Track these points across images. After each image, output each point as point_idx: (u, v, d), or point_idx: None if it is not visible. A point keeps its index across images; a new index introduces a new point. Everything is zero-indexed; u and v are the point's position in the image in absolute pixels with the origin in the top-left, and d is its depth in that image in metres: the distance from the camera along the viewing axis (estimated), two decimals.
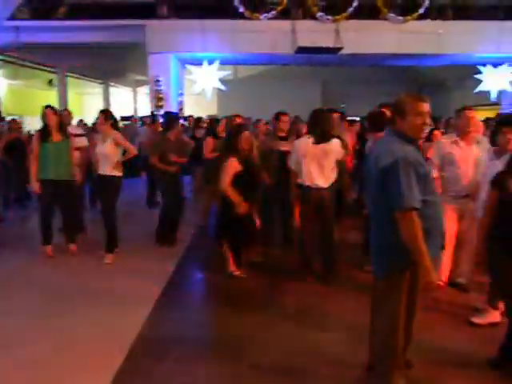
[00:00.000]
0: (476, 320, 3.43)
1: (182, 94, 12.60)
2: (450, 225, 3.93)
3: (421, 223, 2.15)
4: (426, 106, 2.29)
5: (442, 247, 2.49)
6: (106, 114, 4.98)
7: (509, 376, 2.74)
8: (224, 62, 12.37)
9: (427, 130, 2.37)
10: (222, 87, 11.10)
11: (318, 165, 4.19)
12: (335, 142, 4.29)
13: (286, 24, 10.68)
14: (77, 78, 18.08)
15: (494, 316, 3.39)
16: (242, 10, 10.43)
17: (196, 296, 4.34)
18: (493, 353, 2.86)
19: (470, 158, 3.91)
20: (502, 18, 10.88)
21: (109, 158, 4.84)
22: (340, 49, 10.46)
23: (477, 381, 2.75)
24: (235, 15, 10.58)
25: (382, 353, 2.43)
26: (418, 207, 2.14)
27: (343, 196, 5.05)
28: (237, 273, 4.40)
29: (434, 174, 3.93)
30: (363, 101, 13.95)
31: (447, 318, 3.59)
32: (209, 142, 5.89)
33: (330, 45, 10.51)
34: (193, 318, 3.68)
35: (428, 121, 2.32)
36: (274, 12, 10.53)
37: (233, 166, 4.21)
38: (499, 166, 3.11)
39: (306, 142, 4.25)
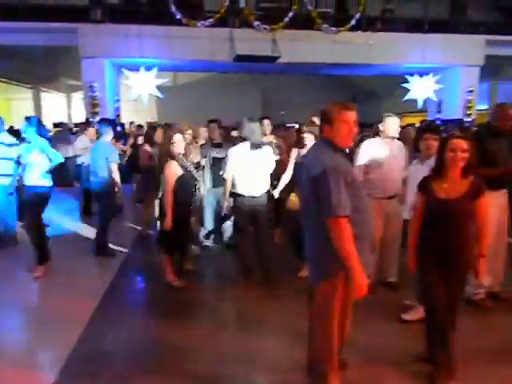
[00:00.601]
0: (406, 317, 3.62)
1: (118, 100, 12.25)
2: (377, 226, 4.14)
3: (351, 229, 2.24)
4: (352, 115, 2.36)
5: (372, 250, 2.61)
6: (29, 120, 4.75)
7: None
8: (162, 69, 12.19)
9: (354, 137, 2.46)
10: (159, 94, 10.94)
11: (253, 173, 4.25)
12: (268, 148, 4.38)
13: (224, 32, 10.75)
14: (5, 82, 17.02)
15: (423, 312, 3.60)
16: (179, 16, 10.35)
17: (133, 309, 4.21)
18: (423, 348, 3.03)
19: (394, 160, 4.12)
20: (427, 30, 11.64)
21: (34, 166, 4.59)
22: (277, 58, 10.68)
23: (410, 376, 2.88)
24: (172, 22, 10.49)
25: (319, 355, 2.49)
26: (348, 214, 2.22)
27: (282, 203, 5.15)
28: (175, 283, 4.33)
29: (360, 176, 4.11)
30: (302, 108, 14.30)
31: (380, 316, 3.74)
32: (145, 150, 5.78)
33: (268, 53, 10.71)
34: (128, 332, 3.56)
35: (355, 129, 2.41)
36: (211, 20, 10.56)
37: (173, 169, 4.15)
38: (424, 170, 3.31)
39: (241, 149, 4.30)
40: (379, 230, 4.12)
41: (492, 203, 3.83)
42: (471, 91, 12.09)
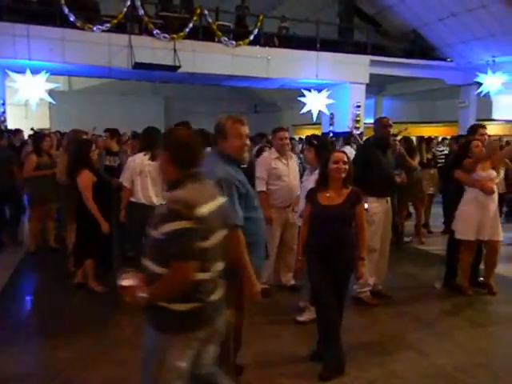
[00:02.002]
0: (299, 318, 3.84)
1: (3, 104, 11.22)
2: (276, 233, 4.37)
3: (245, 238, 2.33)
4: (244, 129, 2.46)
5: (266, 257, 2.75)
6: None
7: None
8: (55, 73, 11.45)
9: (247, 150, 2.58)
10: (50, 99, 10.25)
11: (154, 182, 4.21)
12: None
13: (122, 38, 10.42)
14: None
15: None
16: (72, 19, 9.83)
17: (22, 330, 3.91)
18: (314, 346, 3.25)
19: (291, 172, 4.39)
20: (319, 49, 12.47)
21: None
22: (178, 67, 10.64)
23: (302, 375, 3.04)
24: (65, 24, 9.92)
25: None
26: (241, 224, 2.32)
27: None
28: (98, 288, 4.40)
29: (262, 187, 4.33)
30: (205, 118, 14.39)
31: (276, 319, 3.92)
32: (31, 160, 5.40)
33: (169, 63, 10.63)
34: (17, 355, 3.30)
35: (247, 142, 2.53)
36: (108, 25, 10.18)
37: (88, 177, 4.18)
38: (312, 181, 3.58)
39: (141, 159, 4.24)
40: (278, 237, 4.36)
41: (378, 209, 4.29)
42: (359, 106, 13.19)
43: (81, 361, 3.20)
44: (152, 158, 4.18)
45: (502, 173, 5.27)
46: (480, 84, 12.49)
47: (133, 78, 13.37)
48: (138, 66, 10.24)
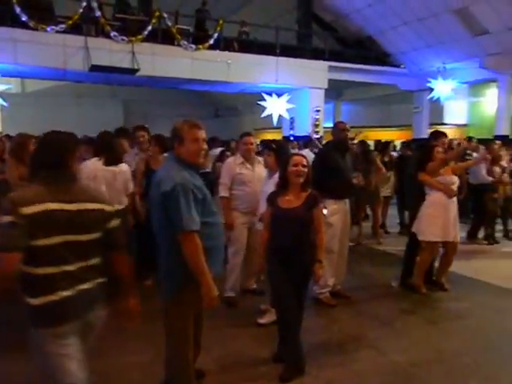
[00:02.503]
0: (261, 320, 3.87)
1: None
2: (242, 238, 4.38)
3: (202, 243, 2.33)
4: (201, 133, 2.46)
5: (225, 262, 2.75)
6: None
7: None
8: (6, 74, 11.02)
9: (204, 154, 2.58)
10: (1, 101, 9.84)
11: (109, 188, 4.13)
12: (124, 165, 4.37)
13: (78, 40, 10.14)
14: None
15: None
16: (24, 18, 9.47)
17: None
18: (275, 349, 3.28)
19: (256, 177, 4.40)
20: (279, 54, 12.63)
21: None
22: (136, 70, 10.47)
23: (264, 377, 3.06)
24: (17, 23, 9.55)
25: (174, 368, 2.52)
26: (197, 229, 2.31)
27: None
28: None
29: (223, 193, 4.33)
30: (165, 121, 14.22)
31: (238, 322, 3.93)
32: None
33: (127, 66, 10.45)
34: None
35: (204, 146, 2.53)
36: (63, 26, 9.88)
37: None
38: (272, 184, 3.62)
39: (94, 164, 4.15)
40: (245, 243, 4.37)
41: (337, 211, 4.39)
42: (318, 111, 13.47)
43: None
44: (106, 163, 4.13)
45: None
46: (432, 90, 13.04)
47: (89, 80, 13.06)
48: (95, 68, 10.00)
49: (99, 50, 10.16)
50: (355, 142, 7.41)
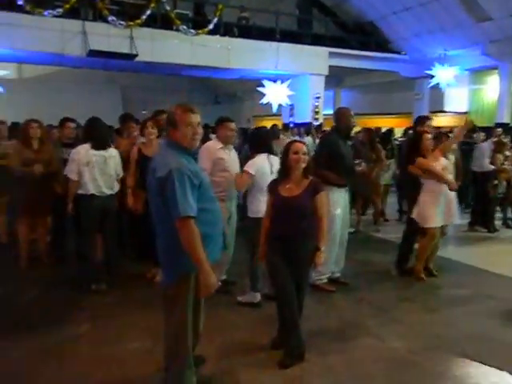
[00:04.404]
0: (240, 298, 4.05)
1: None
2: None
3: (200, 229, 2.30)
4: (195, 117, 2.40)
5: (224, 247, 2.73)
6: None
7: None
8: (4, 59, 10.89)
9: (198, 139, 2.52)
10: None
11: (102, 172, 4.24)
12: (113, 150, 4.44)
13: (76, 24, 9.99)
14: None
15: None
16: (21, 2, 9.33)
17: None
18: (274, 335, 3.28)
19: (236, 163, 4.30)
20: (279, 39, 12.48)
21: None
22: (135, 56, 10.35)
23: (264, 363, 3.07)
24: (13, 7, 9.40)
25: (173, 354, 2.52)
26: (194, 215, 2.29)
27: None
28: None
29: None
30: (164, 108, 14.13)
31: (239, 310, 3.94)
32: None
33: (125, 51, 10.31)
34: None
35: (199, 130, 2.48)
36: (60, 10, 9.73)
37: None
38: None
39: (85, 150, 4.20)
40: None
41: (338, 198, 4.37)
42: (318, 98, 13.36)
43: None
44: (95, 148, 4.21)
45: (453, 158, 5.52)
46: (432, 76, 12.93)
47: (87, 66, 12.92)
48: (93, 53, 9.88)
49: (97, 35, 10.02)
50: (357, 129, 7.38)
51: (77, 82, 17.12)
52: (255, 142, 4.19)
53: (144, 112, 16.92)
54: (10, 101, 15.59)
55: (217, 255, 2.53)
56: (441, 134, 5.10)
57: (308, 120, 13.03)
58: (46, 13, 9.58)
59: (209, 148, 4.11)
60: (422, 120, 5.31)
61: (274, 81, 11.74)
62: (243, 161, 4.27)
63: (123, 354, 3.16)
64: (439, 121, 13.38)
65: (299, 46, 12.70)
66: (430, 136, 4.72)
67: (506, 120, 12.33)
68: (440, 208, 4.65)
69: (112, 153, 4.36)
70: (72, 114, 5.66)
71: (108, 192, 4.29)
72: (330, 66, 13.14)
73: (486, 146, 7.29)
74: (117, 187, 4.42)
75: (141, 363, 3.04)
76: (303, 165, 3.11)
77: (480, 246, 6.35)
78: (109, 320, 3.72)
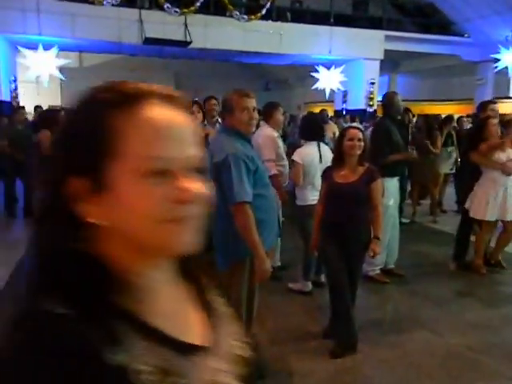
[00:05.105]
0: (291, 285, 4.04)
1: (15, 81, 11.20)
2: None
3: (255, 215, 2.30)
4: (251, 102, 2.40)
5: (279, 235, 2.72)
6: None
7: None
8: (65, 48, 11.36)
9: (255, 124, 2.51)
10: (60, 76, 10.20)
11: None
12: None
13: (132, 13, 10.26)
14: None
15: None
16: None
17: None
18: (325, 324, 3.25)
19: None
20: (332, 23, 12.16)
21: None
22: (189, 43, 10.47)
23: (315, 352, 3.05)
24: None
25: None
26: (249, 200, 2.29)
27: None
28: None
29: (274, 170, 4.10)
30: (216, 95, 14.28)
31: (285, 298, 3.94)
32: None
33: (179, 38, 10.46)
34: None
35: (255, 115, 2.47)
36: None
37: None
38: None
39: None
40: None
41: (391, 188, 4.25)
42: (373, 83, 12.92)
43: None
44: None
45: None
46: (497, 60, 12.12)
47: (143, 53, 13.25)
48: (149, 41, 10.11)
49: (153, 23, 10.23)
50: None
51: (132, 69, 17.63)
52: (306, 128, 4.11)
53: (196, 99, 17.25)
54: (71, 89, 16.36)
55: (272, 241, 2.53)
56: (510, 122, 4.73)
57: (361, 107, 12.68)
58: (105, 2, 9.89)
59: (271, 137, 4.01)
60: (484, 104, 5.00)
61: (328, 66, 11.48)
62: (290, 150, 4.22)
63: None
64: (505, 107, 12.56)
65: (354, 30, 12.30)
66: (495, 121, 4.42)
67: None
68: (497, 200, 4.35)
69: None
70: None
71: None
72: (386, 51, 12.64)
73: None
74: None
75: None
76: (358, 152, 3.02)
77: None
78: None
